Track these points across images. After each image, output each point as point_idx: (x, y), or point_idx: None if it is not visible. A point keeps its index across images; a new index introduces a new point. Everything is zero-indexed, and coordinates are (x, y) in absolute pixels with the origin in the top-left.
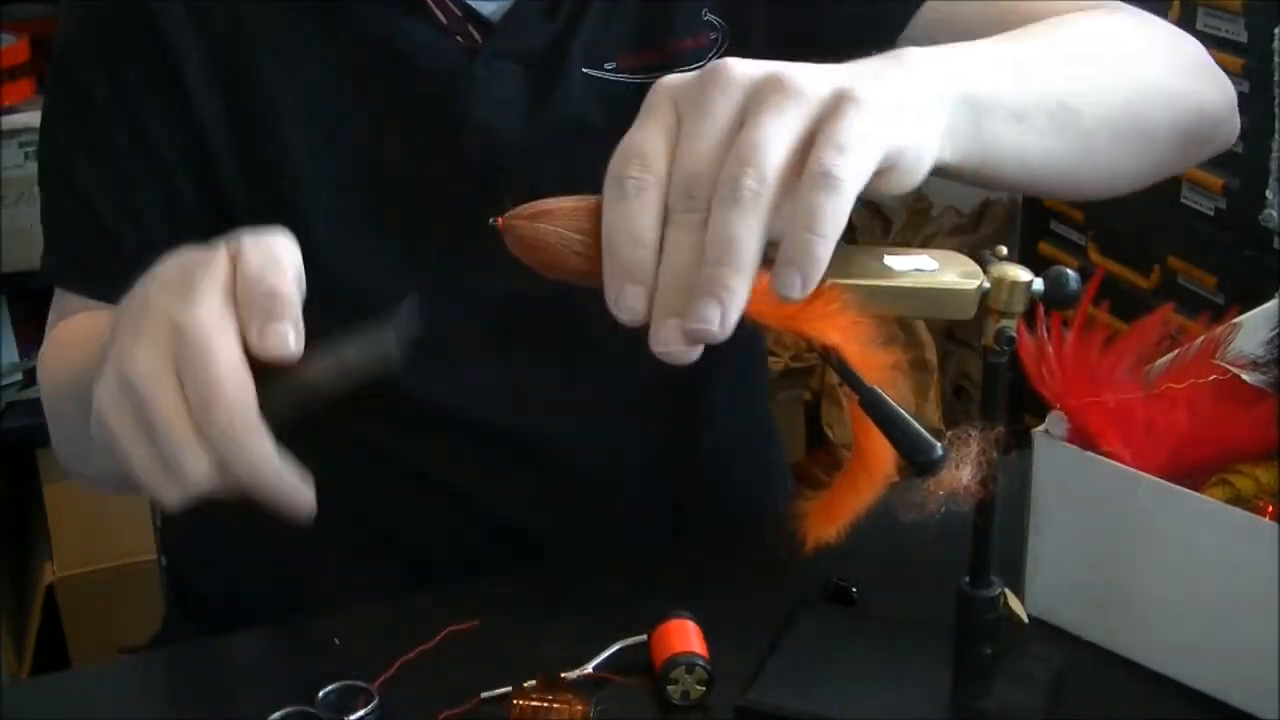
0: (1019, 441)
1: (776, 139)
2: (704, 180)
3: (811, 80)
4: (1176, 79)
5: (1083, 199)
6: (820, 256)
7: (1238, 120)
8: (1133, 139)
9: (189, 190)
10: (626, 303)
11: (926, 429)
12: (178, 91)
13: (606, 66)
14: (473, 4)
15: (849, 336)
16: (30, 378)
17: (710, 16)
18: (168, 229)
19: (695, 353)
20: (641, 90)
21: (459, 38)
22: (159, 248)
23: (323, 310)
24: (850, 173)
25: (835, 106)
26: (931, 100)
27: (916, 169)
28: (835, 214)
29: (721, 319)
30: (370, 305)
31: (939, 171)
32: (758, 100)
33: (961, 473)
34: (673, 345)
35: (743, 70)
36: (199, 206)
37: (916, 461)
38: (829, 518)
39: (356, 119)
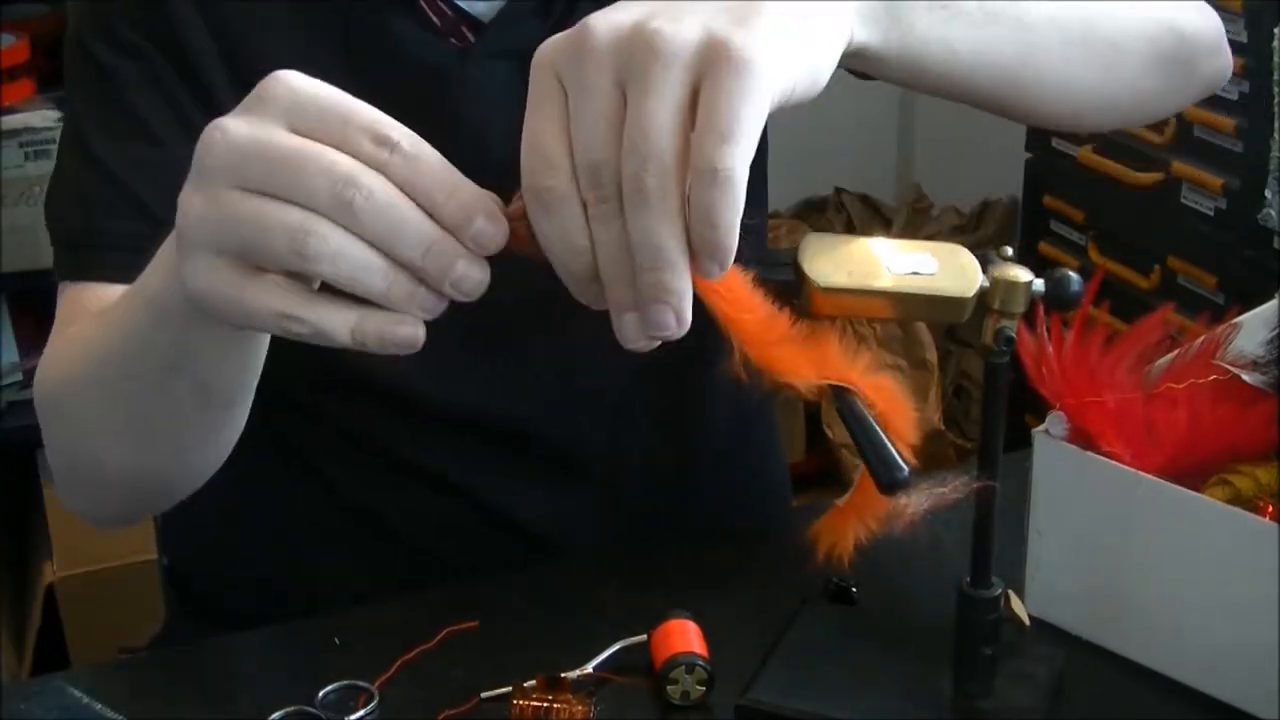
0: (1019, 441)
1: (663, 126)
2: (606, 171)
3: (681, 32)
4: None
5: (1036, 116)
6: (727, 246)
7: (1228, 55)
8: (1088, 44)
9: None
10: (591, 302)
11: (898, 452)
12: (201, 84)
13: None
14: (464, 5)
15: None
16: (30, 378)
17: None
18: None
19: (665, 339)
20: None
21: (452, 39)
22: None
23: None
24: (738, 159)
25: (712, 67)
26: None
27: (814, 89)
28: (732, 205)
29: (677, 318)
30: None
31: (866, 64)
32: (632, 73)
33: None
34: (636, 341)
35: (609, 33)
36: None
37: (882, 479)
38: (843, 527)
39: None
